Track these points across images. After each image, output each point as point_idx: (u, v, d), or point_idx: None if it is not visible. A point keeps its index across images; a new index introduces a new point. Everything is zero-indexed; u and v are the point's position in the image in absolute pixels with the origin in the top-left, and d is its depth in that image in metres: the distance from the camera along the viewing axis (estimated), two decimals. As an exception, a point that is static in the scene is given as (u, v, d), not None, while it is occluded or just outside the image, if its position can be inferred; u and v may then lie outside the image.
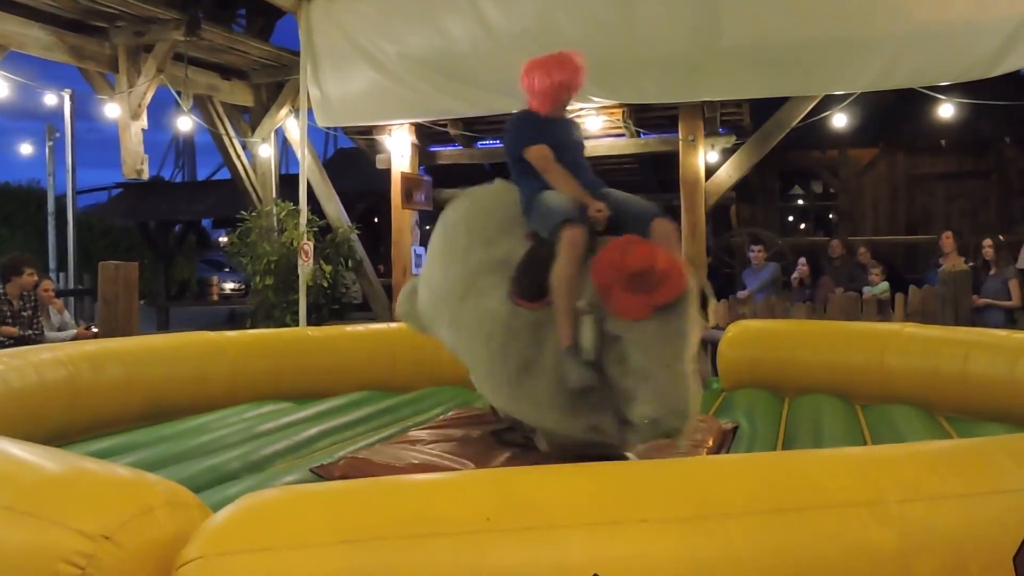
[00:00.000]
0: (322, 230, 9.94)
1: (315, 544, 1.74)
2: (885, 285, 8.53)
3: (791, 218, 15.93)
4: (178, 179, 34.61)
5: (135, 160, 8.71)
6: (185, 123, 9.83)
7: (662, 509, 1.85)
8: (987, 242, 8.11)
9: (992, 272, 7.96)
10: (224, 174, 19.66)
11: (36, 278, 7.15)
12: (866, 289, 8.53)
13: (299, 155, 9.45)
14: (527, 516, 1.82)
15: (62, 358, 4.62)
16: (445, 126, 9.81)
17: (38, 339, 6.92)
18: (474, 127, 10.23)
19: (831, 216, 15.47)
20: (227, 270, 21.58)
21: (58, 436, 4.25)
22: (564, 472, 2.06)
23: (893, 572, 1.84)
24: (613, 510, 1.84)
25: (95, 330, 7.63)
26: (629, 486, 1.96)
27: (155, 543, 1.83)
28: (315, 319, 9.19)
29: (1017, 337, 5.13)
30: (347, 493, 2.01)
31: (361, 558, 1.73)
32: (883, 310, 8.03)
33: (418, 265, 10.05)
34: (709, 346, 8.00)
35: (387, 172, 10.06)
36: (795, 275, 9.42)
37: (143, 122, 8.80)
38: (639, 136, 9.74)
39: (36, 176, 19.21)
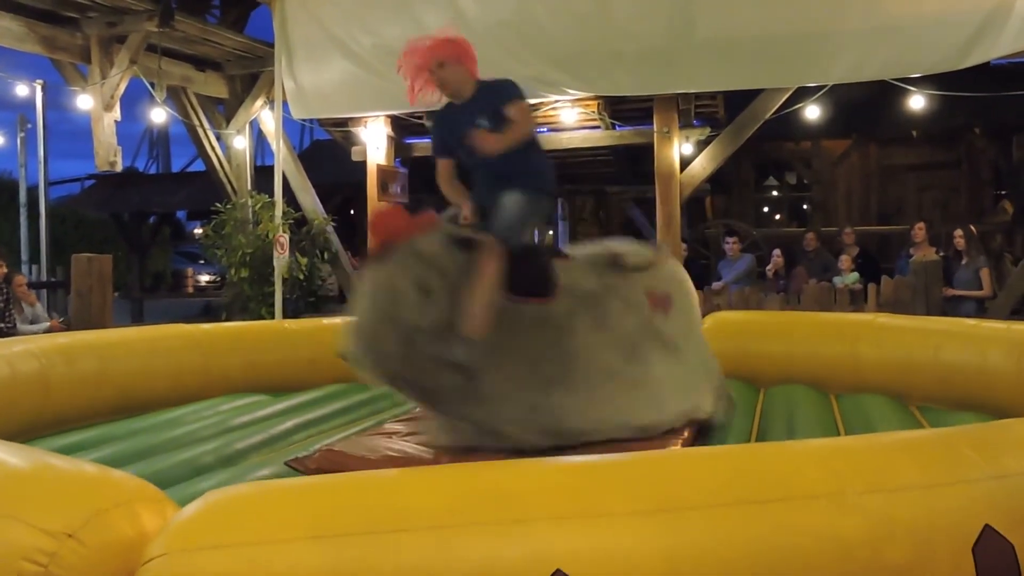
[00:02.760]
0: (297, 222, 9.89)
1: (281, 540, 1.74)
2: (856, 275, 8.60)
3: (766, 209, 16.02)
4: (152, 170, 34.29)
5: (108, 152, 8.63)
6: (159, 115, 9.75)
7: (627, 502, 1.86)
8: (958, 232, 8.19)
9: (964, 262, 8.04)
10: (198, 165, 19.49)
11: (4, 270, 7.08)
12: (836, 279, 8.60)
13: (274, 147, 9.40)
14: (492, 509, 1.83)
15: (34, 351, 4.58)
16: (421, 118, 9.78)
17: (10, 332, 6.87)
18: (450, 119, 10.19)
19: (805, 207, 15.56)
20: (202, 262, 21.42)
21: (30, 430, 4.22)
22: (531, 466, 2.08)
23: (859, 563, 1.87)
24: (578, 503, 1.86)
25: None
26: (594, 479, 1.97)
27: (119, 540, 1.82)
28: (291, 311, 9.15)
29: (987, 326, 5.19)
30: (313, 488, 2.01)
31: (327, 553, 1.73)
32: (856, 300, 8.09)
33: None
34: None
35: (363, 164, 10.03)
36: (770, 266, 9.48)
37: (116, 113, 8.71)
38: (614, 128, 9.75)
39: (7, 167, 18.99)
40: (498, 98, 3.73)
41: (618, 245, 4.13)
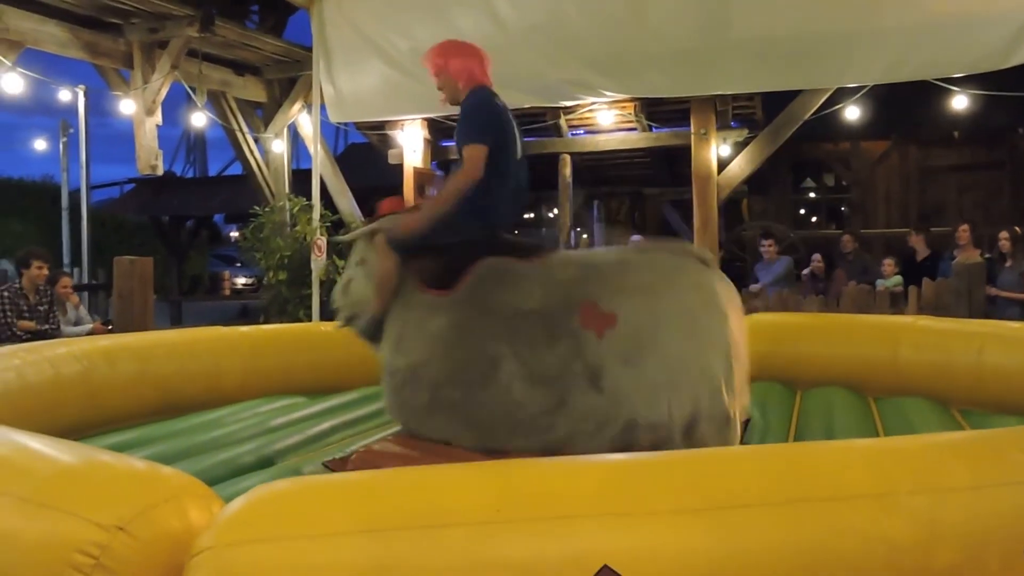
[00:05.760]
0: (335, 225, 9.96)
1: (325, 534, 1.76)
2: (898, 278, 8.50)
3: (803, 211, 15.89)
4: (189, 174, 34.72)
5: (150, 155, 8.75)
6: (199, 119, 9.87)
7: (672, 500, 1.86)
8: (1003, 234, 8.05)
9: (1008, 264, 7.90)
10: (235, 169, 19.74)
11: (46, 272, 7.19)
12: (879, 282, 8.50)
13: (312, 150, 9.48)
14: (537, 506, 1.83)
15: (77, 353, 4.66)
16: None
17: (54, 334, 6.97)
18: (486, 121, 10.21)
19: (843, 209, 15.41)
20: (238, 265, 21.65)
21: (73, 430, 4.28)
22: (573, 463, 2.07)
23: (908, 564, 1.84)
24: (623, 501, 1.85)
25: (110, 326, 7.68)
26: (639, 477, 1.96)
27: (169, 534, 1.85)
28: (328, 314, 9.20)
29: (1031, 329, 5.11)
30: (357, 484, 2.02)
31: (371, 548, 1.74)
32: (896, 303, 7.99)
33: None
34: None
35: (399, 167, 10.08)
36: (807, 269, 9.41)
37: (157, 118, 8.84)
38: (651, 130, 9.72)
39: (50, 171, 19.34)
40: (460, 129, 3.75)
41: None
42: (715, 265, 3.44)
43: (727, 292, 3.41)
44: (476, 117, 3.72)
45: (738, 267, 11.49)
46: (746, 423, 4.63)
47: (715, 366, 3.22)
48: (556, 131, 10.13)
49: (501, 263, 3.65)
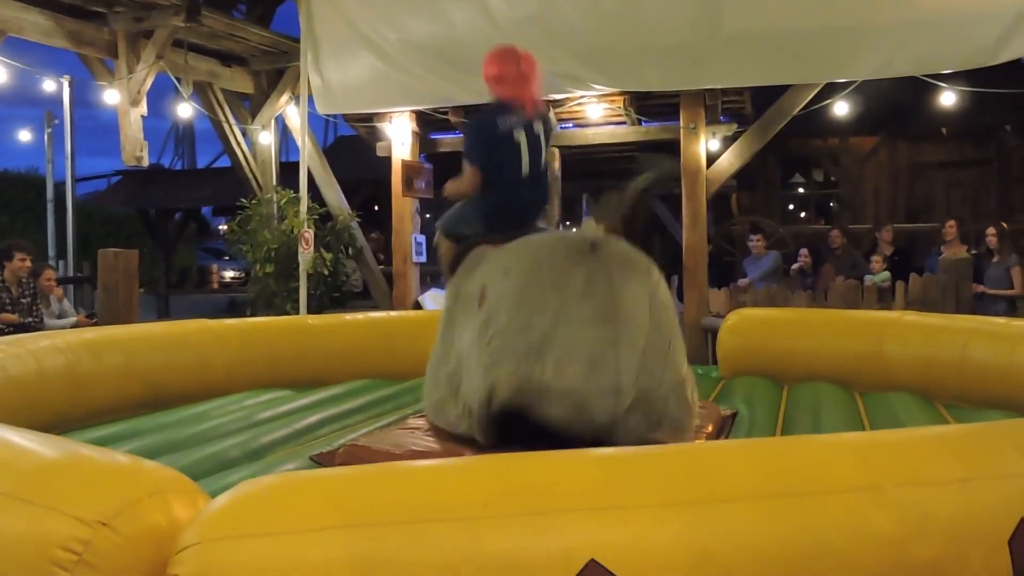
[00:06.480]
0: (322, 218, 9.92)
1: (313, 529, 1.74)
2: (886, 274, 8.52)
3: (792, 206, 15.91)
4: (177, 166, 34.55)
5: (135, 147, 8.68)
6: (185, 110, 9.80)
7: (661, 494, 1.85)
8: (990, 230, 8.08)
9: (995, 260, 7.94)
10: (223, 162, 19.64)
11: (28, 264, 7.13)
12: (867, 277, 8.52)
13: (299, 142, 9.43)
14: (525, 501, 1.82)
15: (61, 346, 4.61)
16: (446, 113, 9.77)
17: (37, 326, 6.92)
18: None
19: (832, 204, 15.44)
20: (226, 258, 21.57)
21: (57, 424, 4.25)
22: (562, 457, 2.06)
23: (893, 557, 1.84)
24: (612, 495, 1.84)
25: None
26: (628, 471, 1.95)
27: (153, 530, 1.83)
28: (315, 307, 9.18)
29: (1016, 324, 5.12)
30: (345, 479, 2.01)
31: (359, 543, 1.72)
32: (883, 298, 8.01)
33: (418, 253, 10.03)
34: (709, 334, 8.02)
35: (388, 160, 10.03)
36: (797, 264, 9.42)
37: (143, 109, 8.77)
38: (640, 124, 9.71)
39: (35, 163, 19.18)
40: (463, 142, 4.14)
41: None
42: (604, 251, 3.36)
43: (608, 276, 3.28)
44: (471, 137, 4.02)
45: (728, 262, 11.51)
46: (733, 416, 4.64)
47: (547, 340, 3.17)
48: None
49: (481, 251, 3.92)
